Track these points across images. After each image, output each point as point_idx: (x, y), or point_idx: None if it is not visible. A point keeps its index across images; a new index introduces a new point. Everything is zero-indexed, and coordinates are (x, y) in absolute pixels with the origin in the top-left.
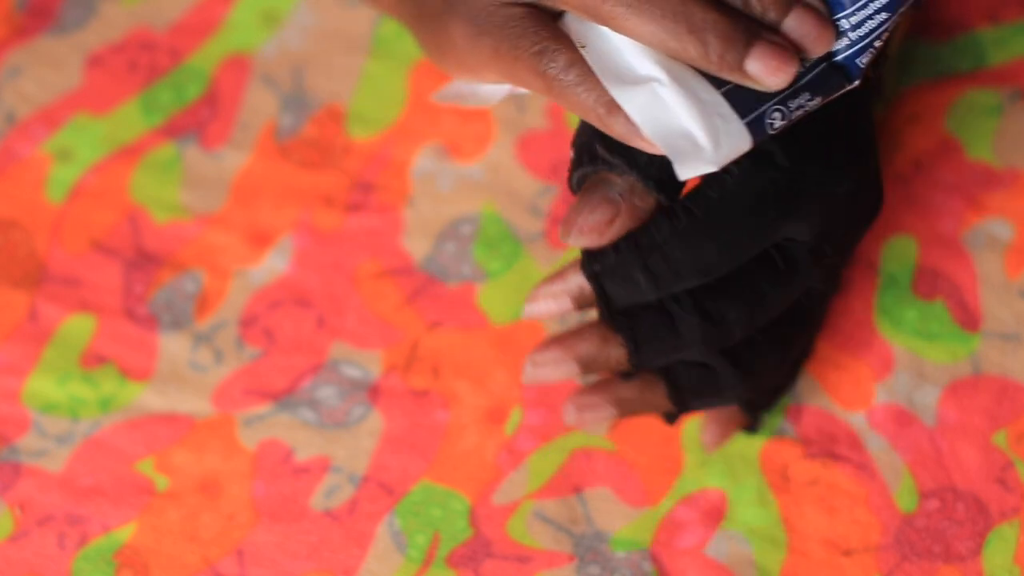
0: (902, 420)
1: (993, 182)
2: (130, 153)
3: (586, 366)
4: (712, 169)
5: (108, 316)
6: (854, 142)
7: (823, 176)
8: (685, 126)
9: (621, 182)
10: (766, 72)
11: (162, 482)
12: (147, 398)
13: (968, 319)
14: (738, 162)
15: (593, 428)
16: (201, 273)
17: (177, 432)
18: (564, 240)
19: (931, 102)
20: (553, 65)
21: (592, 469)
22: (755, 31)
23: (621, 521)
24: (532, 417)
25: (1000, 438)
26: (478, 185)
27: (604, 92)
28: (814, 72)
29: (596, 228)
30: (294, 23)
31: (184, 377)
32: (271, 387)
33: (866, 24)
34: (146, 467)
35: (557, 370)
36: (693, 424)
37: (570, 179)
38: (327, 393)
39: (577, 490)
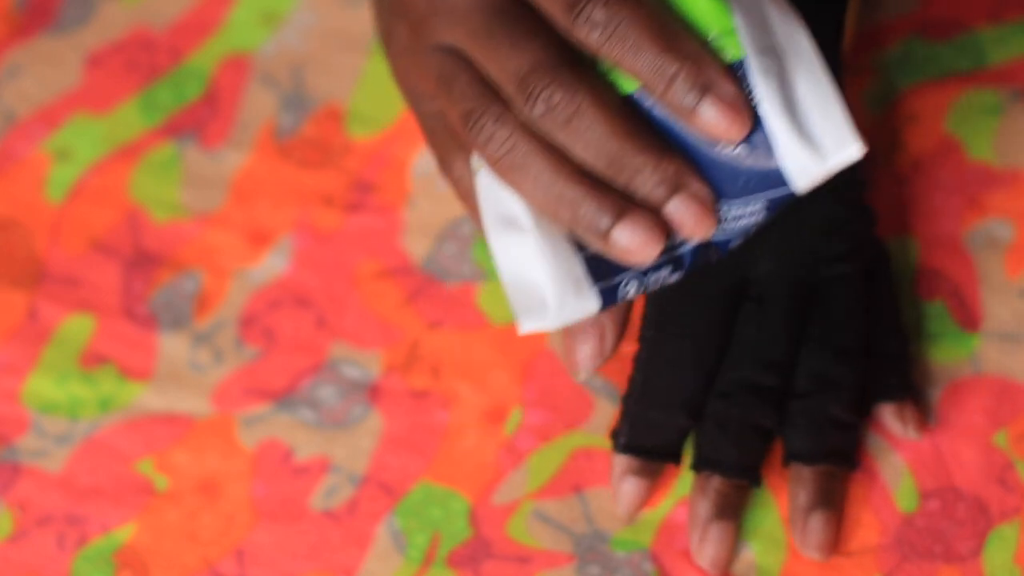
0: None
1: (993, 182)
2: (129, 153)
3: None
4: (550, 329)
5: (107, 316)
6: None
7: None
8: (537, 279)
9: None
10: (629, 248)
11: (161, 482)
12: (146, 398)
13: (968, 319)
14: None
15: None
16: (200, 273)
17: (176, 432)
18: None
19: (931, 102)
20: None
21: (592, 469)
22: (623, 207)
23: (621, 521)
24: (532, 417)
25: (1000, 438)
26: None
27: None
28: (680, 250)
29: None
30: (294, 23)
31: (183, 377)
32: (271, 387)
33: (745, 219)
34: (146, 467)
35: (726, 542)
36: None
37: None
38: (327, 393)
39: (577, 490)
